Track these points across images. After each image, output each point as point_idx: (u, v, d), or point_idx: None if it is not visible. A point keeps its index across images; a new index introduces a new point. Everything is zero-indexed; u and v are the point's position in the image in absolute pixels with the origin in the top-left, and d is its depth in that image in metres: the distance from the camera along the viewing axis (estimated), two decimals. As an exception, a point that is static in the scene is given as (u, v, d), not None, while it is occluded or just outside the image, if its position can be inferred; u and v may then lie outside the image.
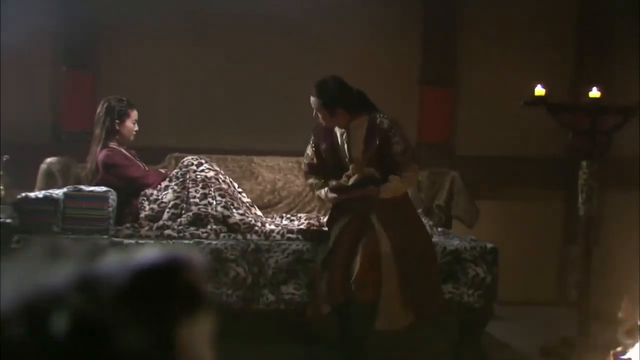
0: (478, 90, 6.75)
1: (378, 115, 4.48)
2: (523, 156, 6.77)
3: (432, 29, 6.72)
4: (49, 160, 5.40)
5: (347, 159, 4.51)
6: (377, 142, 4.42)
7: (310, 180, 4.71)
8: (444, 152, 6.68)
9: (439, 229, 5.46)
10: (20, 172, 5.49)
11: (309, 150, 4.71)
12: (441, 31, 6.73)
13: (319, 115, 4.48)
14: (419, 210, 5.75)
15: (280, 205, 5.93)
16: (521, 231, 6.81)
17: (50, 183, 5.28)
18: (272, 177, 6.03)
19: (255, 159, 6.05)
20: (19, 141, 6.11)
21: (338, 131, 4.56)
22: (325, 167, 4.61)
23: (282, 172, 6.06)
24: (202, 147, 6.00)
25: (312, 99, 4.43)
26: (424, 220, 5.59)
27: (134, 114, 5.02)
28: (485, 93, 6.69)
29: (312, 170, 4.69)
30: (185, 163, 4.95)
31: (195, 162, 4.94)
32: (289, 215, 5.52)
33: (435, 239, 5.02)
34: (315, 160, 4.66)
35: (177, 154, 5.75)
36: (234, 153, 6.04)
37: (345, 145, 4.51)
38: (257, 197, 5.86)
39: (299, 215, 5.58)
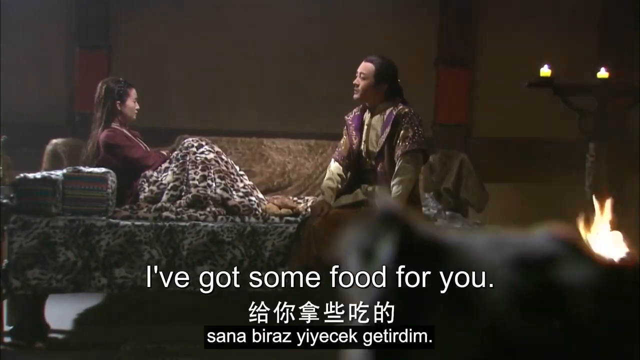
0: (496, 71, 6.62)
1: (402, 105, 4.46)
2: (543, 138, 6.62)
3: (449, 8, 6.60)
4: (54, 141, 5.42)
5: (364, 154, 4.54)
6: (390, 129, 4.40)
7: (332, 169, 4.72)
8: (460, 134, 6.58)
9: (447, 213, 5.37)
10: (35, 154, 5.53)
11: (342, 139, 4.76)
12: (459, 11, 6.61)
13: (359, 84, 4.51)
14: (430, 194, 5.69)
15: (290, 188, 5.89)
16: (542, 215, 6.66)
17: (56, 164, 5.30)
18: (282, 159, 5.99)
19: (265, 141, 6.00)
20: (33, 122, 6.17)
21: (366, 120, 4.60)
22: (350, 160, 4.67)
23: (292, 154, 6.01)
24: (212, 129, 5.99)
25: (367, 64, 4.53)
26: (433, 204, 5.53)
27: (133, 92, 5.01)
28: (504, 74, 6.55)
29: (339, 157, 4.73)
30: (185, 145, 4.93)
31: (196, 144, 4.92)
32: (295, 198, 5.47)
33: (439, 222, 4.94)
34: (346, 147, 4.70)
35: (186, 136, 5.74)
36: (243, 135, 6.01)
37: (364, 132, 4.54)
38: (267, 180, 5.83)
39: (306, 198, 5.53)
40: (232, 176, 4.91)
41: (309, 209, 4.90)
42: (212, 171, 4.82)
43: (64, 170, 4.65)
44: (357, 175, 4.68)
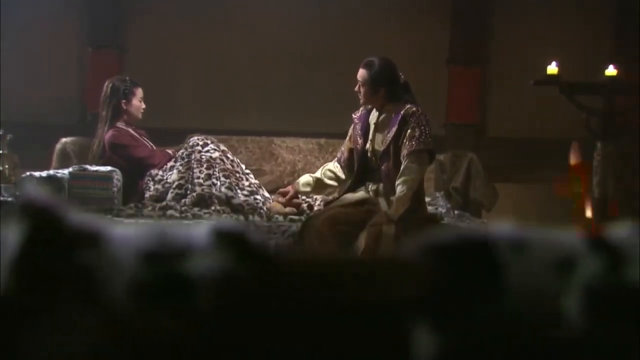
0: (508, 70, 6.56)
1: (409, 105, 4.41)
2: (556, 137, 6.54)
3: (461, 6, 6.56)
4: (64, 140, 5.47)
5: (369, 153, 4.51)
6: (397, 128, 4.37)
7: (328, 164, 4.71)
8: (472, 133, 6.53)
9: (456, 212, 5.33)
10: (46, 154, 5.57)
11: (348, 136, 4.72)
12: (470, 9, 6.56)
13: (360, 91, 4.48)
14: (440, 193, 5.66)
15: (300, 187, 5.89)
16: (556, 216, 6.60)
17: (65, 163, 5.34)
18: (292, 158, 5.98)
19: (275, 140, 6.00)
20: (45, 122, 6.22)
21: (372, 119, 4.55)
22: (353, 159, 4.61)
23: (302, 153, 6.01)
24: (223, 128, 6.01)
25: (361, 71, 4.47)
26: (443, 203, 5.50)
27: (139, 92, 5.02)
28: (516, 73, 6.48)
29: (340, 155, 4.71)
30: (190, 143, 4.94)
31: (201, 143, 4.92)
32: (304, 197, 5.45)
33: (445, 221, 4.91)
34: (347, 147, 4.66)
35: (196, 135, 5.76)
36: (253, 134, 6.01)
37: (371, 130, 4.51)
38: (277, 179, 5.83)
39: (315, 197, 5.51)
40: (237, 175, 4.92)
41: (315, 208, 4.90)
42: (217, 170, 4.83)
43: (70, 169, 4.68)
44: (362, 174, 4.64)
